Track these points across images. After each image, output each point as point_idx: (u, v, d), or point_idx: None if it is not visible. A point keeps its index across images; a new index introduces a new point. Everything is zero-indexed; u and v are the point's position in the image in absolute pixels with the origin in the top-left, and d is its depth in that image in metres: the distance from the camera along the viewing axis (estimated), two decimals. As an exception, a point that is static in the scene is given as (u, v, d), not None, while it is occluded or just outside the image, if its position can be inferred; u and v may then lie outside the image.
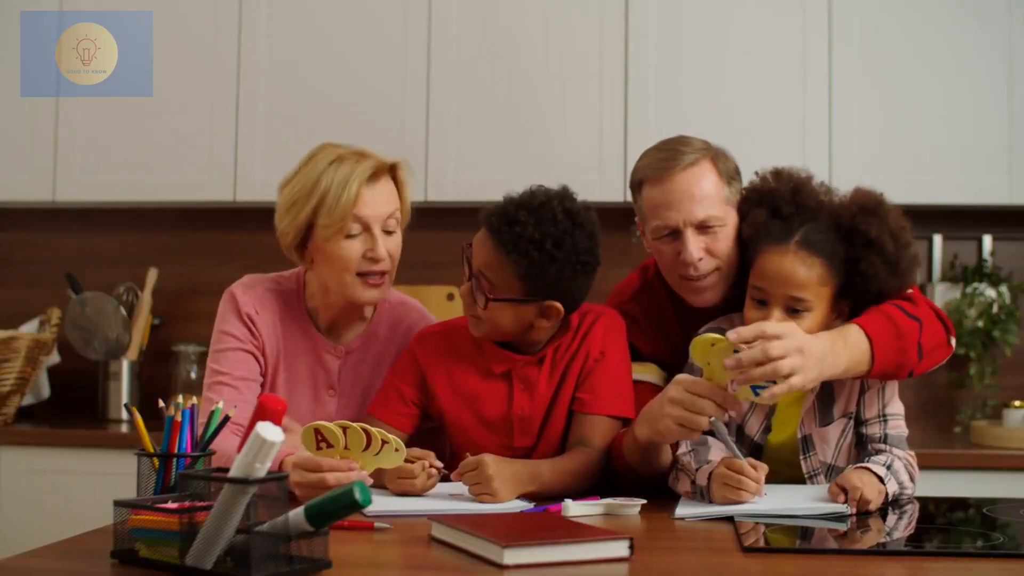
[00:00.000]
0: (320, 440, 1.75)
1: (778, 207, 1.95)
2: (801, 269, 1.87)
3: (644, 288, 2.21)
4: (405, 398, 2.07)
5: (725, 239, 2.02)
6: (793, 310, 1.88)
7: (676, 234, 2.02)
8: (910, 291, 1.99)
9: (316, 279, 2.14)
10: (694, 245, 2.00)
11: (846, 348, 1.81)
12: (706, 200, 2.01)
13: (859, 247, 1.90)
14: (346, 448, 1.76)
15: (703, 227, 2.01)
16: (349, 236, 2.04)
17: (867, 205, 1.93)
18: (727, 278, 2.05)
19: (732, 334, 1.72)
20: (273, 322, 2.14)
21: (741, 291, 2.00)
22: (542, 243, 1.92)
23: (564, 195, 2.00)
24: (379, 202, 2.06)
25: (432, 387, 2.08)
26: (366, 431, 1.75)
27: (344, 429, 1.75)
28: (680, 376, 1.81)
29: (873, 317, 1.88)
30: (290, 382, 2.15)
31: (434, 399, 2.08)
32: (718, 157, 2.06)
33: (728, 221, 2.03)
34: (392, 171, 2.12)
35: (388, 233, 2.09)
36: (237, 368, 2.10)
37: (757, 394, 1.72)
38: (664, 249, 2.06)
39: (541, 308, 1.98)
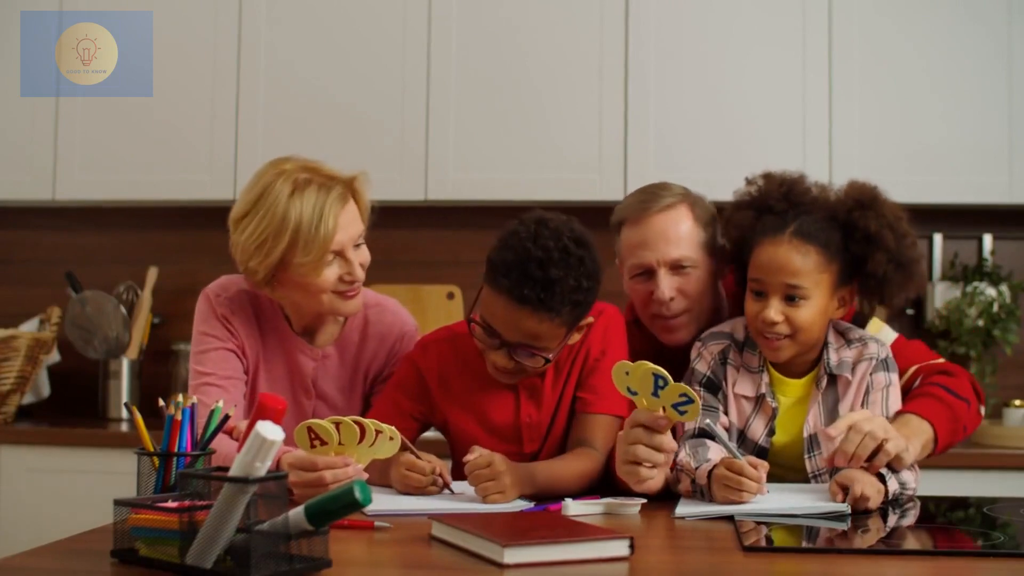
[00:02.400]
0: (314, 438, 1.74)
1: (770, 207, 1.98)
2: (796, 257, 1.89)
3: (629, 326, 2.21)
4: (403, 411, 2.05)
5: (697, 281, 2.10)
6: (790, 298, 1.90)
7: (650, 273, 2.11)
8: (941, 360, 2.06)
9: (287, 298, 2.09)
10: (666, 284, 2.08)
11: (913, 433, 1.87)
12: (681, 242, 2.09)
13: (860, 243, 1.92)
14: (340, 444, 1.75)
15: (676, 267, 2.09)
16: (326, 265, 1.99)
17: (863, 199, 1.95)
18: (698, 319, 2.12)
19: (832, 430, 1.77)
20: (248, 322, 2.11)
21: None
22: (579, 286, 1.89)
23: (560, 223, 1.92)
24: (350, 224, 2.01)
25: (435, 398, 2.06)
26: (359, 423, 1.74)
27: (337, 425, 1.74)
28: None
29: (928, 404, 1.94)
30: (269, 383, 2.13)
31: (437, 410, 2.07)
32: (696, 203, 2.14)
33: (701, 264, 2.11)
34: (350, 185, 2.05)
35: (357, 247, 2.04)
36: (221, 367, 2.06)
37: (681, 413, 1.73)
38: (638, 288, 2.13)
39: (578, 328, 1.98)
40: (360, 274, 2.03)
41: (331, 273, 2.00)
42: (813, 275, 1.89)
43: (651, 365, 1.72)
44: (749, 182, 2.06)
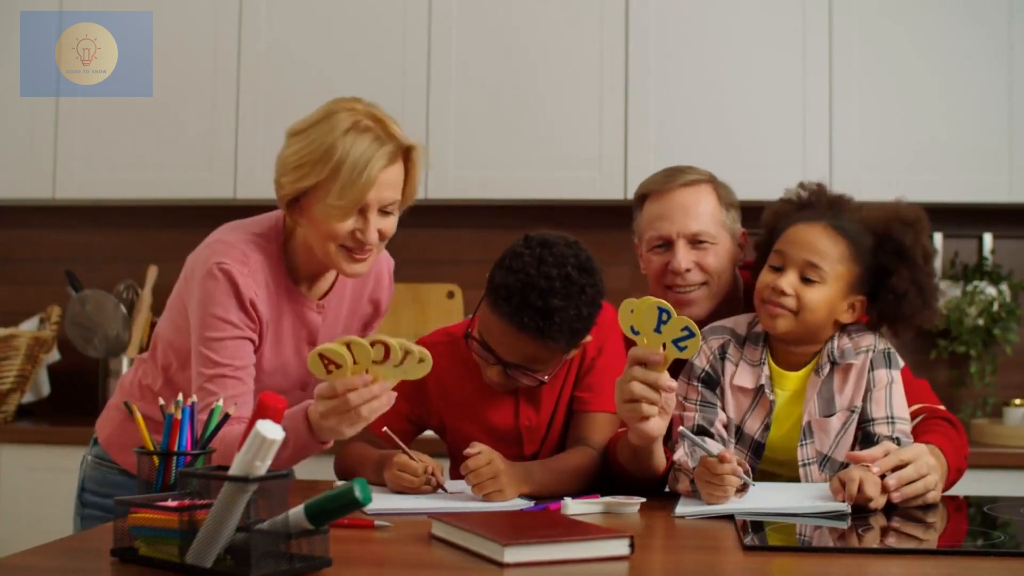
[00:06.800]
0: (328, 363, 1.65)
1: (812, 206, 2.02)
2: (824, 239, 1.93)
3: None
4: (399, 414, 2.01)
5: (716, 257, 2.12)
6: (806, 278, 1.92)
7: (668, 245, 2.12)
8: (942, 408, 2.04)
9: (301, 234, 2.03)
10: (683, 255, 2.10)
11: (940, 465, 1.86)
12: (702, 217, 2.11)
13: (890, 254, 1.94)
14: (356, 363, 1.65)
15: (695, 241, 2.11)
16: (350, 216, 1.94)
17: (905, 216, 1.98)
18: (715, 296, 2.13)
19: (875, 467, 1.75)
20: (267, 292, 2.01)
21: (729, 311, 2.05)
22: (580, 315, 1.86)
23: (565, 249, 1.88)
24: (387, 186, 1.94)
25: (433, 401, 2.05)
26: (382, 342, 1.64)
27: (348, 344, 1.64)
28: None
29: (941, 441, 1.91)
30: (276, 343, 2.05)
31: (434, 412, 2.06)
32: (720, 185, 2.18)
33: (721, 242, 2.13)
34: (406, 152, 1.99)
35: (385, 214, 1.97)
36: (238, 358, 1.95)
37: (681, 349, 1.71)
38: (655, 259, 2.14)
39: (576, 347, 1.97)
40: (373, 237, 1.95)
41: (348, 225, 1.93)
42: (834, 263, 1.92)
43: (656, 299, 1.70)
44: (803, 187, 2.07)
